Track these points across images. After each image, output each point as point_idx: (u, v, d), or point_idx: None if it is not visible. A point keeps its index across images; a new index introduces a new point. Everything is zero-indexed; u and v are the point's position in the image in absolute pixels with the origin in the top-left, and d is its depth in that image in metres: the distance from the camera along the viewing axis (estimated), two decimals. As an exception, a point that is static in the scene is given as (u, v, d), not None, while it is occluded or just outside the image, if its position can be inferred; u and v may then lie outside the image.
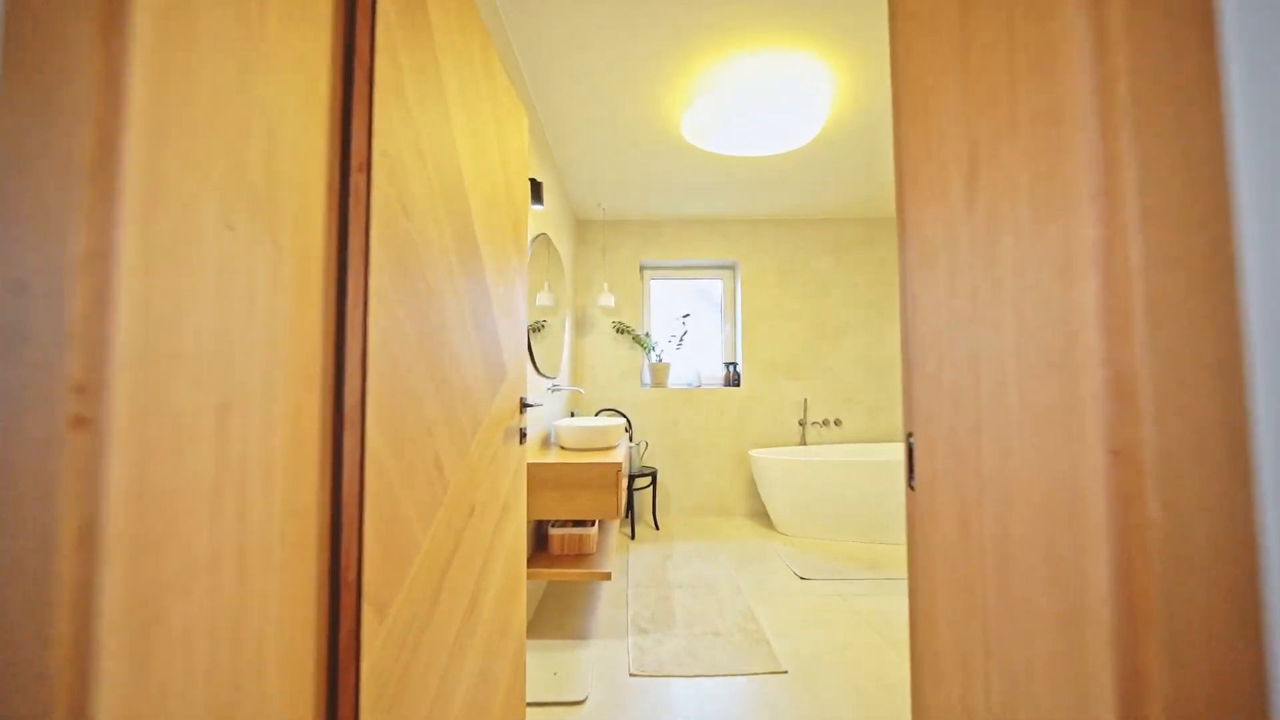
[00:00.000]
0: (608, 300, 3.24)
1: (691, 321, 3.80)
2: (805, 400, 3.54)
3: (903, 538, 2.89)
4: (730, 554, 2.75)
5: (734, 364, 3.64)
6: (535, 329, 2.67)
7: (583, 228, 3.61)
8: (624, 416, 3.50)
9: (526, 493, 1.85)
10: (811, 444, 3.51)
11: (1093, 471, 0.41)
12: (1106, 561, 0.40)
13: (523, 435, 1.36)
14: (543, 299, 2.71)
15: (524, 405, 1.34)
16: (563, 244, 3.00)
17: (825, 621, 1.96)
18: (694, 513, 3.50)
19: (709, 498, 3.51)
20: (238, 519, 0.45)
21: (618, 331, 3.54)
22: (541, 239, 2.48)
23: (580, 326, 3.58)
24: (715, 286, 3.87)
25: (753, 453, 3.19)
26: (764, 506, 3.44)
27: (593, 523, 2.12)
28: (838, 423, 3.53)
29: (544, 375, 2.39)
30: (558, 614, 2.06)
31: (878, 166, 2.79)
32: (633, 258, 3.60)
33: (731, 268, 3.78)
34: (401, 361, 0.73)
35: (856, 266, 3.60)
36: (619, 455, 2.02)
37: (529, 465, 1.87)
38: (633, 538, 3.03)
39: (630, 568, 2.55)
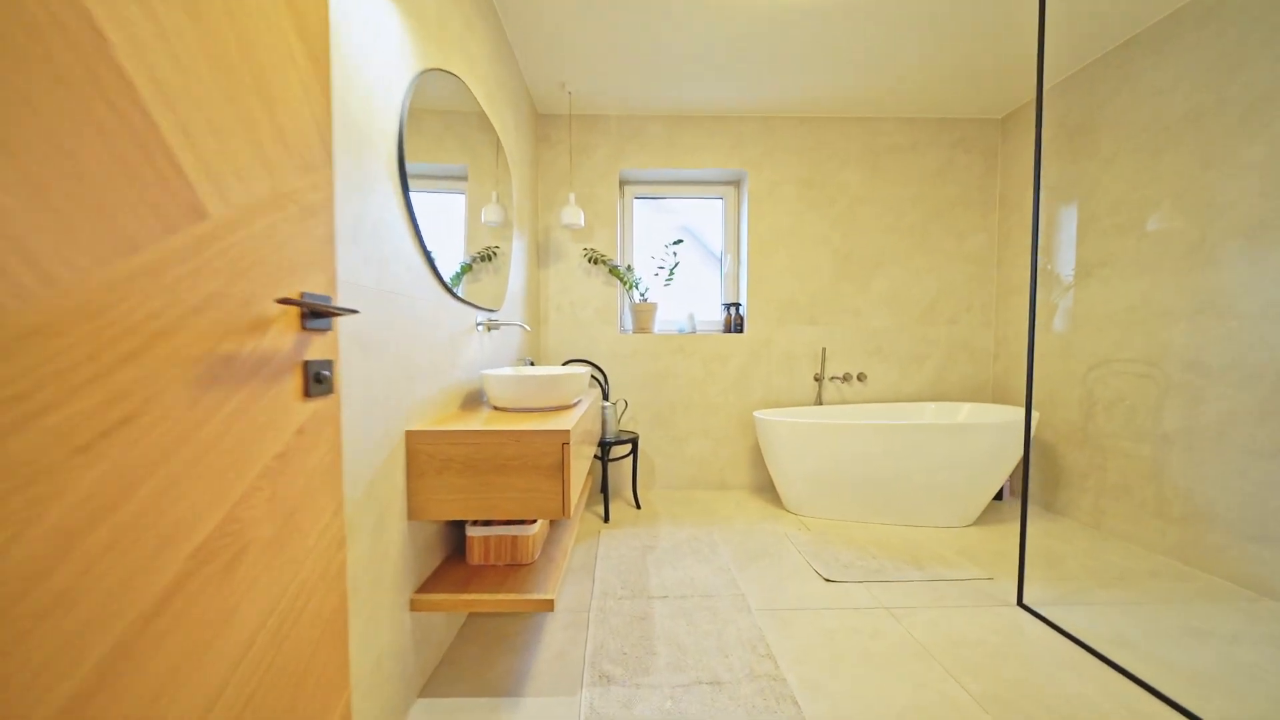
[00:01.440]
0: (574, 217, 2.46)
1: (686, 251, 3.04)
2: (824, 350, 2.84)
3: (947, 520, 2.28)
4: (731, 543, 2.13)
5: (736, 305, 2.91)
6: (484, 257, 1.92)
7: (545, 125, 2.76)
8: (597, 369, 2.79)
9: (409, 480, 1.15)
10: (829, 404, 2.86)
11: None
12: None
13: (318, 378, 0.64)
14: (490, 215, 1.94)
15: (309, 309, 0.61)
16: (514, 140, 2.18)
17: (874, 656, 1.34)
18: (685, 486, 2.87)
19: (703, 469, 2.87)
20: None
21: (590, 262, 2.77)
22: (481, 127, 1.69)
23: (543, 254, 2.80)
24: (715, 208, 3.08)
25: (758, 414, 2.52)
26: (768, 479, 2.81)
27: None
28: (861, 378, 2.86)
29: (472, 304, 1.64)
30: (480, 651, 1.41)
31: (945, 34, 1.98)
32: (609, 164, 2.78)
33: (737, 182, 2.98)
34: None
35: (894, 181, 2.82)
36: (572, 419, 1.32)
37: (416, 434, 1.16)
38: (606, 520, 2.39)
39: (598, 566, 1.91)
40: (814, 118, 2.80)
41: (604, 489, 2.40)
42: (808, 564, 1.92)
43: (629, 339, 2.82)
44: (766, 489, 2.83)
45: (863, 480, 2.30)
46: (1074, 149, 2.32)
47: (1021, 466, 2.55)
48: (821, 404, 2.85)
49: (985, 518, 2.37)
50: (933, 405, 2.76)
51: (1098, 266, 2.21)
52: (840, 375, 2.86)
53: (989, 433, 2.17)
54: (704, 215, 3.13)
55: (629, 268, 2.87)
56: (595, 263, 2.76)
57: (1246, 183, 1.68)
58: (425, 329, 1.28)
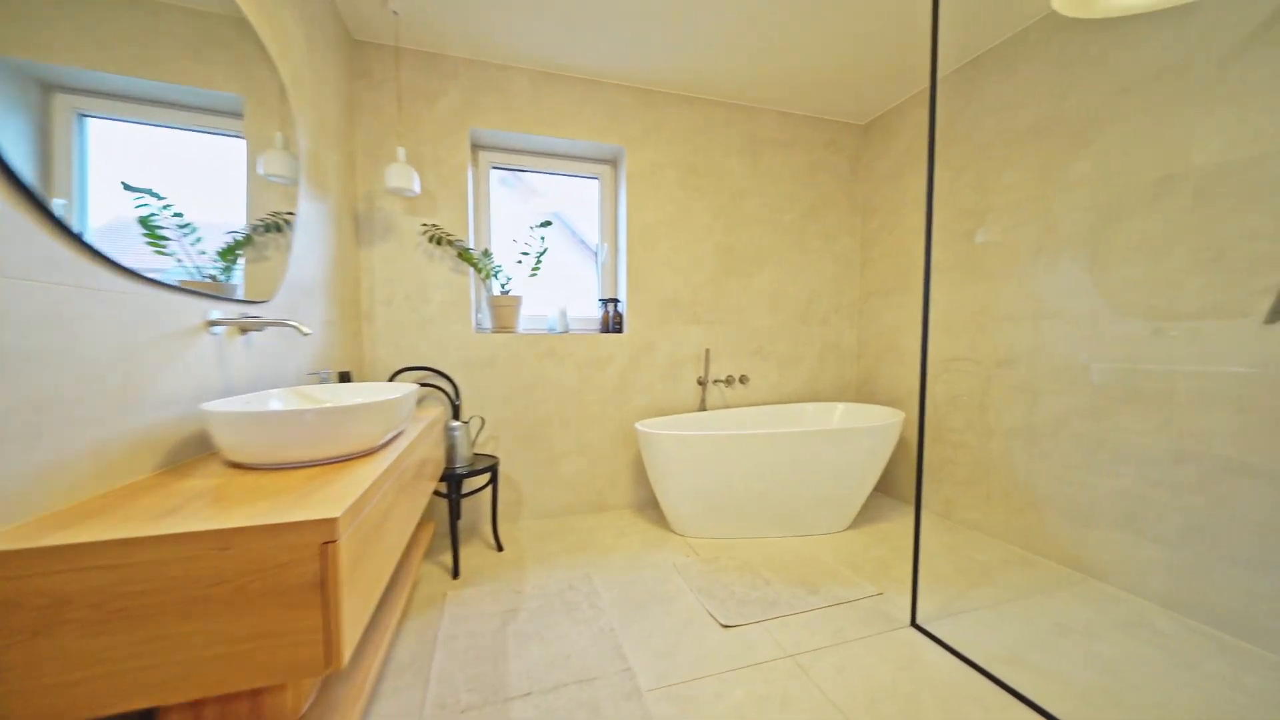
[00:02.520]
0: (404, 180, 1.86)
1: (558, 238, 2.59)
2: (707, 351, 2.64)
3: (829, 525, 2.22)
4: (613, 587, 1.77)
5: (615, 301, 2.56)
6: (272, 227, 1.27)
7: (365, 56, 2.08)
8: (445, 379, 2.21)
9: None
10: (713, 408, 2.67)
11: None
12: None
13: None
14: (272, 165, 1.29)
15: None
16: (308, 68, 1.51)
17: (791, 746, 1.09)
18: (559, 513, 2.45)
19: (580, 491, 2.48)
20: None
21: (433, 242, 2.17)
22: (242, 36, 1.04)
23: (365, 229, 2.12)
24: (590, 190, 2.68)
25: (640, 426, 2.21)
26: (652, 494, 2.53)
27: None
28: (744, 380, 2.73)
29: (202, 292, 1.02)
30: None
31: (829, 31, 1.84)
32: (456, 119, 2.21)
33: (614, 161, 2.62)
34: None
35: (774, 175, 2.73)
36: (364, 480, 0.82)
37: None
38: (455, 575, 1.86)
39: (437, 657, 1.40)
40: (699, 98, 2.56)
41: (453, 534, 1.87)
42: (702, 606, 1.64)
43: (488, 340, 2.29)
44: (649, 505, 2.55)
45: (752, 493, 2.12)
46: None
47: (899, 471, 2.63)
48: (705, 408, 2.65)
49: (858, 519, 2.38)
50: (811, 406, 2.74)
51: (949, 271, 2.31)
52: (723, 378, 2.69)
53: (870, 435, 2.14)
54: (577, 199, 2.71)
55: (486, 253, 2.34)
56: (439, 243, 2.17)
57: (1077, 196, 1.81)
58: (50, 334, 0.67)
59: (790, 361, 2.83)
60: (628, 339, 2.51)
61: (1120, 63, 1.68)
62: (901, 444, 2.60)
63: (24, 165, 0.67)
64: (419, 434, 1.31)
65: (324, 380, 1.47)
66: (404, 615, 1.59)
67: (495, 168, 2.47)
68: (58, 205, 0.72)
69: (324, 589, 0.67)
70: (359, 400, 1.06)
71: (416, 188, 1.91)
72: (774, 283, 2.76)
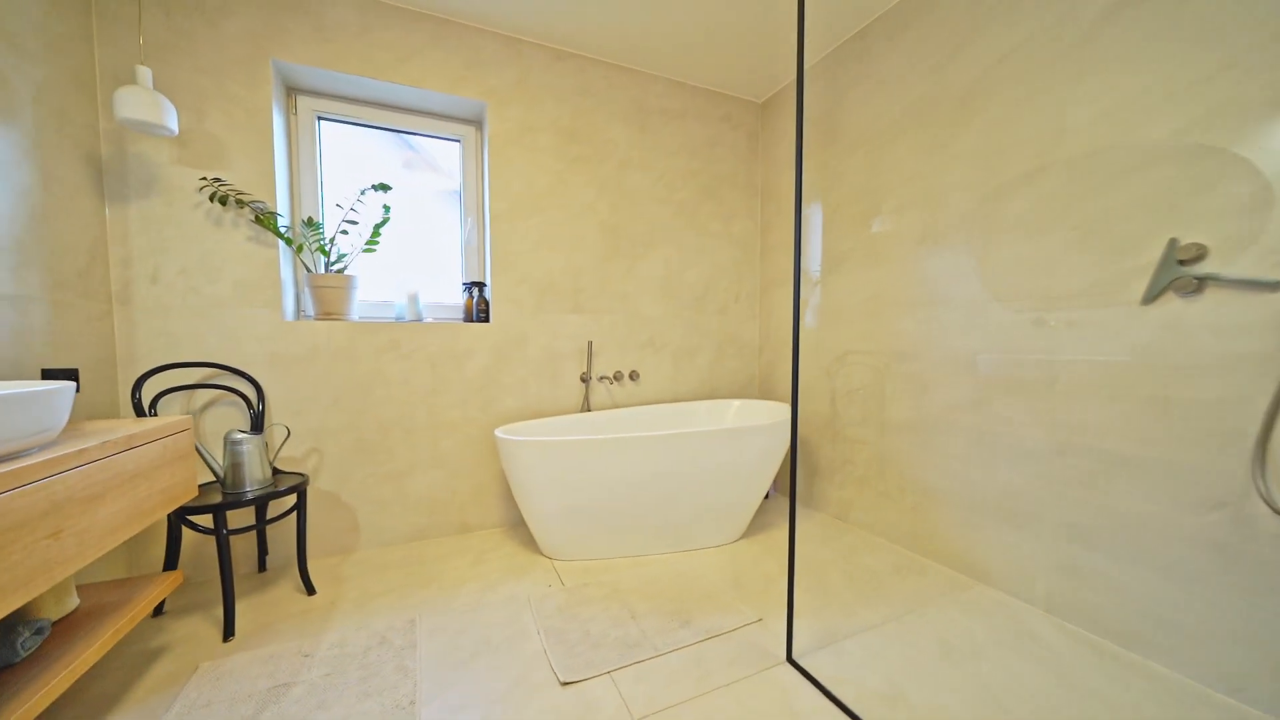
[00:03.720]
0: (144, 110, 1.38)
1: (408, 206, 2.16)
2: (590, 344, 2.34)
3: (720, 537, 1.99)
4: (441, 634, 1.41)
5: (481, 285, 2.19)
6: None
7: (108, -52, 1.55)
8: (244, 377, 1.74)
9: None
10: (600, 408, 2.37)
11: None
12: None
13: None
14: None
15: None
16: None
17: None
18: (411, 538, 2.04)
19: (437, 512, 2.08)
20: None
21: (217, 201, 1.68)
22: None
23: (113, 178, 1.59)
24: (451, 153, 2.28)
25: (499, 433, 1.85)
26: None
27: None
28: (634, 376, 2.45)
29: None
30: None
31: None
32: (253, 47, 1.73)
33: (478, 121, 2.24)
34: None
35: (665, 147, 2.47)
36: None
37: None
38: (228, 637, 1.40)
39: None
40: (576, 55, 2.24)
41: (225, 582, 1.41)
42: (545, 655, 1.33)
43: (306, 330, 1.83)
44: (523, 523, 2.20)
45: (628, 506, 1.84)
46: (821, 139, 2.26)
47: (789, 470, 2.47)
48: (590, 409, 2.34)
49: (753, 526, 2.18)
50: (705, 405, 2.52)
51: (842, 260, 2.17)
52: (610, 374, 2.40)
53: (759, 435, 1.93)
54: (443, 150, 2.30)
55: (310, 222, 1.87)
56: (225, 203, 1.68)
57: (960, 173, 1.69)
58: None
59: (686, 355, 2.59)
60: (494, 329, 2.14)
61: (997, 30, 1.56)
62: (802, 443, 2.44)
63: None
64: (72, 453, 0.88)
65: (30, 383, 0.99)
66: (119, 701, 1.13)
67: (322, 117, 2.01)
68: None
69: None
70: None
71: (172, 125, 1.44)
72: (667, 267, 2.51)
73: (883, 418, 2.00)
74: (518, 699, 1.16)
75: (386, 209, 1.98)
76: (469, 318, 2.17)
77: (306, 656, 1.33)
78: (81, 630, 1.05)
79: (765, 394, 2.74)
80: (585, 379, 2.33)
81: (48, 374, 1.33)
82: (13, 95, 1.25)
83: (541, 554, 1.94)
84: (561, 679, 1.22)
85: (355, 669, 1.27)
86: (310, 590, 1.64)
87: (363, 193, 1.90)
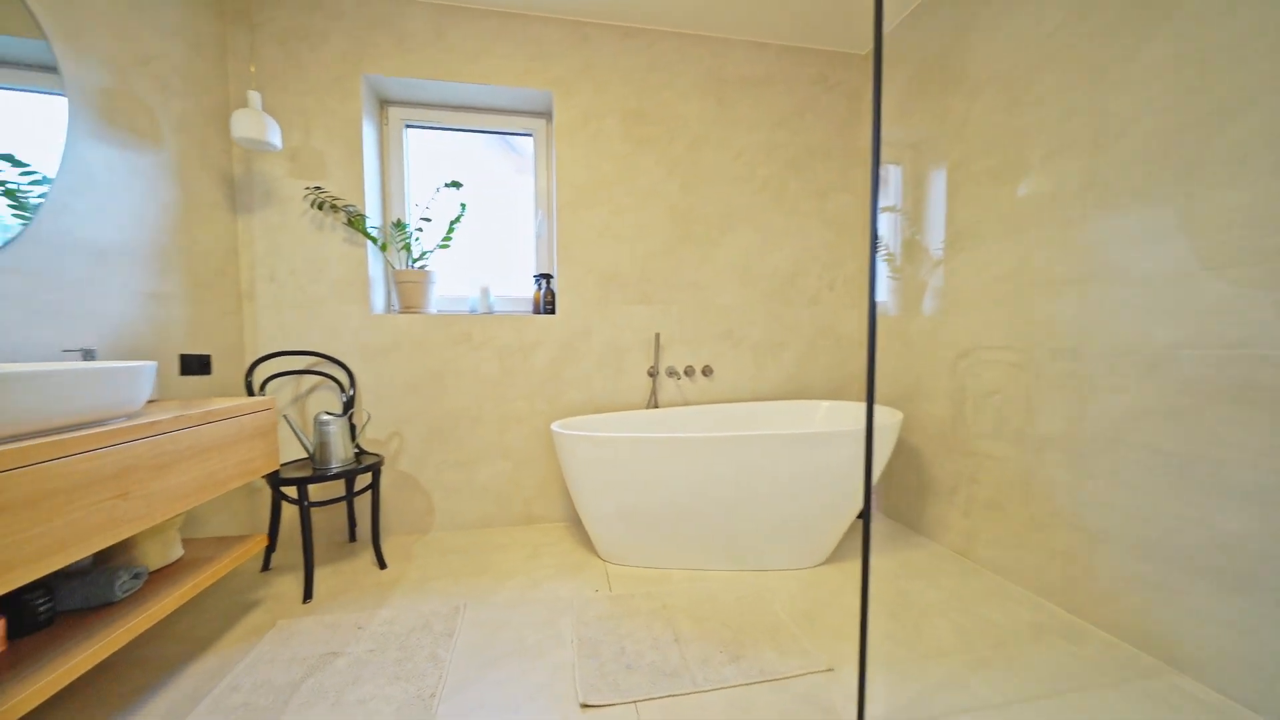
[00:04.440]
0: (255, 129, 1.58)
1: (497, 205, 2.24)
2: (658, 336, 2.19)
3: (797, 559, 1.72)
4: (479, 628, 1.38)
5: (548, 277, 2.18)
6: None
7: (241, -3, 1.82)
8: (339, 365, 1.92)
9: None
10: (668, 405, 2.22)
11: None
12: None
13: None
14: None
15: None
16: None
17: None
18: (479, 525, 2.10)
19: (503, 502, 2.12)
20: None
21: (318, 208, 1.88)
22: None
23: (243, 192, 1.86)
24: (522, 149, 2.31)
25: (555, 428, 1.80)
26: (589, 508, 2.12)
27: None
28: (707, 372, 2.25)
29: None
30: None
31: None
32: (346, 65, 1.90)
33: (548, 113, 2.23)
34: None
35: (745, 121, 2.23)
36: None
37: None
38: (307, 599, 1.55)
39: (191, 715, 1.07)
40: (645, 30, 2.12)
41: (306, 548, 1.56)
42: (573, 669, 1.22)
43: (389, 323, 1.98)
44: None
45: (690, 513, 1.66)
46: (939, 82, 1.83)
47: (895, 486, 2.06)
48: (657, 405, 2.20)
49: (843, 549, 1.85)
50: (788, 406, 2.22)
51: (969, 230, 1.73)
52: (680, 369, 2.23)
53: (851, 442, 1.62)
54: (514, 147, 2.34)
55: (399, 224, 2.02)
56: (323, 208, 1.88)
57: (1146, 96, 1.21)
58: None
59: (769, 349, 2.31)
60: (560, 321, 2.11)
61: None
62: (911, 454, 2.02)
63: None
64: (149, 423, 0.99)
65: (87, 356, 1.20)
66: (209, 646, 1.29)
67: (410, 125, 2.16)
68: None
69: None
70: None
71: (275, 140, 1.63)
72: (745, 252, 2.26)
73: (1025, 429, 1.55)
74: (532, 713, 1.07)
75: (463, 206, 2.06)
76: (537, 310, 2.17)
77: (360, 629, 1.40)
78: (176, 579, 1.21)
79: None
80: (652, 373, 2.19)
81: (185, 358, 1.59)
82: (159, 126, 1.51)
83: (597, 555, 1.85)
84: (582, 699, 1.11)
85: (395, 649, 1.30)
86: (382, 565, 1.75)
87: (437, 190, 2.00)
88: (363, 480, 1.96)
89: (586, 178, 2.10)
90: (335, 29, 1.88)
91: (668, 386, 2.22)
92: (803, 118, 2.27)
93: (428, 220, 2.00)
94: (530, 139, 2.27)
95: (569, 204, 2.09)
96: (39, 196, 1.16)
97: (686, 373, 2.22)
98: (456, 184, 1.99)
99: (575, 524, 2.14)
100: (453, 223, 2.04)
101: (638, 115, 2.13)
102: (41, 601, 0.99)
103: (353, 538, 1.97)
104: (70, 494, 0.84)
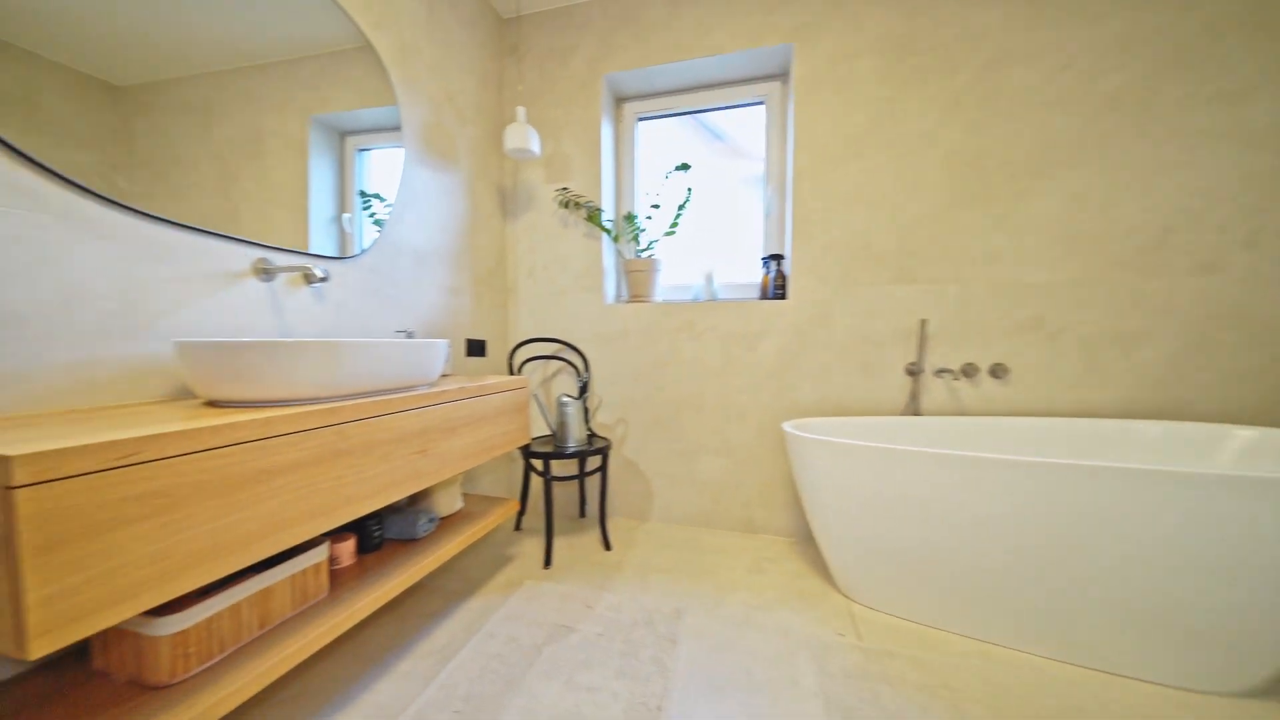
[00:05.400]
0: (522, 140, 1.77)
1: (713, 193, 2.13)
2: (923, 324, 1.71)
3: (1184, 673, 1.07)
4: (702, 644, 1.25)
5: (779, 258, 1.93)
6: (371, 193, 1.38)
7: (513, 31, 2.11)
8: (574, 351, 2.07)
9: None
10: (933, 413, 1.72)
11: None
12: None
13: None
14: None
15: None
16: (426, 39, 1.58)
17: None
18: (694, 521, 2.01)
19: (721, 500, 1.97)
20: None
21: (564, 206, 2.05)
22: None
23: (511, 201, 2.16)
24: (729, 135, 2.10)
25: (786, 428, 1.55)
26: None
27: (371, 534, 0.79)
28: (999, 373, 1.65)
29: (206, 230, 1.08)
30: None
31: None
32: (590, 70, 2.02)
33: (783, 74, 1.97)
34: None
35: (1088, 13, 1.54)
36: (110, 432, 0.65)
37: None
38: (546, 564, 1.67)
39: (465, 648, 1.21)
40: (915, -66, 1.66)
41: (548, 519, 1.69)
42: (814, 734, 0.97)
43: (616, 312, 2.04)
44: (812, 536, 1.82)
45: (988, 567, 1.20)
46: None
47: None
48: (919, 412, 1.72)
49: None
50: (1156, 428, 1.45)
51: None
52: (955, 368, 1.69)
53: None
54: (736, 121, 2.16)
55: (630, 217, 2.08)
56: (568, 206, 2.03)
57: None
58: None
59: (1112, 343, 1.57)
60: (791, 307, 1.84)
61: None
62: None
63: None
64: (439, 393, 1.15)
65: (409, 336, 1.49)
66: (477, 589, 1.49)
67: (642, 118, 2.19)
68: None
69: (10, 547, 0.51)
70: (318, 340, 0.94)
71: (535, 148, 1.81)
72: (1075, 204, 1.57)
73: None
74: (766, 781, 0.86)
75: (689, 191, 1.98)
76: (764, 295, 1.94)
77: (589, 608, 1.42)
78: (458, 527, 1.42)
79: (1333, 426, 1.37)
80: (914, 371, 1.72)
81: (469, 342, 1.91)
82: (457, 149, 1.83)
83: (834, 586, 1.53)
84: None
85: (619, 641, 1.26)
86: (607, 546, 1.80)
87: (667, 175, 1.96)
88: (592, 462, 2.07)
89: (831, 135, 1.77)
90: (583, 39, 2.01)
91: (935, 389, 1.72)
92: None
93: (657, 207, 1.98)
94: (763, 108, 2.04)
95: (808, 170, 1.80)
96: (386, 211, 1.50)
97: (966, 372, 1.68)
98: (685, 166, 1.92)
99: (803, 542, 1.84)
100: (680, 207, 1.97)
101: (904, 44, 1.68)
102: (375, 529, 1.24)
103: (583, 514, 2.11)
104: (389, 446, 1.00)
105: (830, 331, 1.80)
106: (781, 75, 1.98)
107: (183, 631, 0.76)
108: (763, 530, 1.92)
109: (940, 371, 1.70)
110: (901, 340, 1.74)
